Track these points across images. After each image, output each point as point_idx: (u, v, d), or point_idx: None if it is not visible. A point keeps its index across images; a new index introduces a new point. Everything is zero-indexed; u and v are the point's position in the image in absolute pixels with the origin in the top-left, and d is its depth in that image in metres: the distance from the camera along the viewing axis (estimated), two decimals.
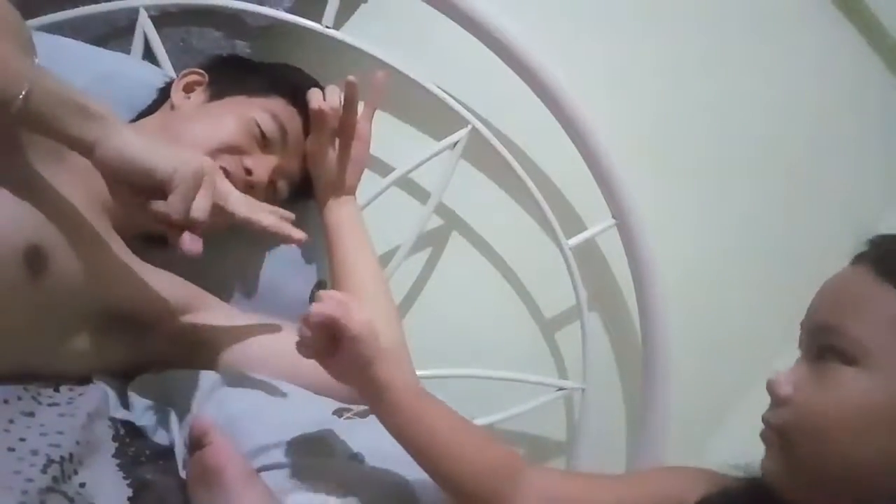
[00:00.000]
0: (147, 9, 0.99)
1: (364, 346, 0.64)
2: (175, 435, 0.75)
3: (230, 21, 1.03)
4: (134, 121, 0.91)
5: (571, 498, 0.64)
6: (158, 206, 0.65)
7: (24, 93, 0.60)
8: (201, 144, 0.83)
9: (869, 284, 0.50)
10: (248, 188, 0.85)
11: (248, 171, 0.85)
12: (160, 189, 0.65)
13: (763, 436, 0.55)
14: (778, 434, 0.53)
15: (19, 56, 0.63)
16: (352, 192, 0.94)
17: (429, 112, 1.09)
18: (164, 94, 0.92)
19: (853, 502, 0.51)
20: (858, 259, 0.53)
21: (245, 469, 0.68)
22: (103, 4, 0.97)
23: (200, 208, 0.65)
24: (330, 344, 0.65)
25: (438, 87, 1.06)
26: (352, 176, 0.93)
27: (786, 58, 1.18)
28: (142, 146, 0.65)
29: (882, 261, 0.50)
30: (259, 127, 0.87)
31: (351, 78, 0.88)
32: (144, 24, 0.99)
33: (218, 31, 1.03)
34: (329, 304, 0.64)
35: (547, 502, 0.64)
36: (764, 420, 0.55)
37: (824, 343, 0.51)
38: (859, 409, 0.49)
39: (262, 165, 0.86)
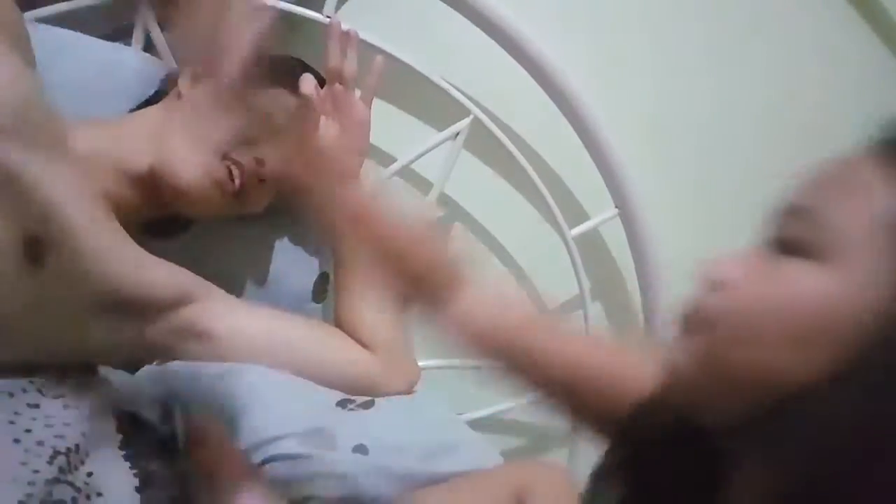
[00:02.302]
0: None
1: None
2: (178, 428, 0.75)
3: None
4: (136, 110, 0.91)
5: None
6: None
7: None
8: (214, 135, 0.83)
9: (868, 169, 0.40)
10: (260, 180, 0.85)
11: (261, 164, 0.85)
12: None
13: (681, 320, 0.44)
14: (704, 321, 0.43)
15: None
16: (355, 178, 0.94)
17: (430, 102, 1.09)
18: (167, 84, 0.92)
19: (744, 407, 0.41)
20: (859, 149, 0.42)
21: (243, 465, 0.68)
22: None
23: None
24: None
25: (440, 77, 1.06)
26: (353, 161, 0.93)
27: (789, 47, 1.17)
28: None
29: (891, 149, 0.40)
30: (271, 120, 0.87)
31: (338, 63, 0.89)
32: (145, 16, 0.98)
33: None
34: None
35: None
36: (688, 303, 0.44)
37: (791, 232, 0.42)
38: (806, 311, 0.39)
39: (272, 158, 0.86)
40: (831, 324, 0.38)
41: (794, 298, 0.40)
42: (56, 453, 0.61)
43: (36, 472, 0.59)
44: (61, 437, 0.63)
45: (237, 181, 0.84)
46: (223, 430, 0.73)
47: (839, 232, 0.39)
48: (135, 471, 0.67)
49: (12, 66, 0.69)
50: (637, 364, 0.56)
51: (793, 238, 0.42)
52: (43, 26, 0.91)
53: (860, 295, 0.38)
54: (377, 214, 0.61)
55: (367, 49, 0.99)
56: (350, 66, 0.90)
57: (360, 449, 0.74)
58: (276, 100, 0.88)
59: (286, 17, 1.00)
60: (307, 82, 0.88)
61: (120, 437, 0.70)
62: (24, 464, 0.59)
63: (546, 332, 0.60)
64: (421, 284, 0.61)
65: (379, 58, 0.93)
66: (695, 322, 0.44)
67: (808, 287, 0.40)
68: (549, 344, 0.58)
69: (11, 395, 0.66)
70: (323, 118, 0.91)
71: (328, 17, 1.01)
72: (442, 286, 0.60)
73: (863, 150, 0.42)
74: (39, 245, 0.67)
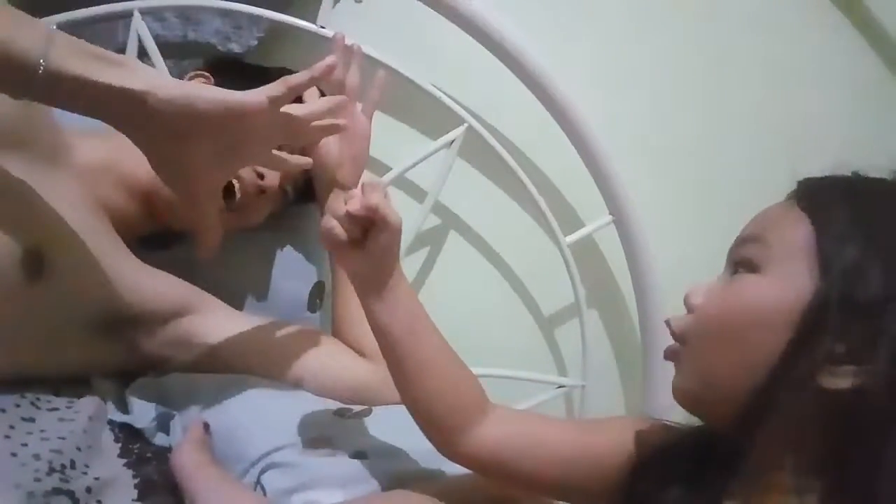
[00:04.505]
0: (142, 11, 0.98)
1: (398, 236, 0.66)
2: (177, 438, 0.75)
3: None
4: None
5: (530, 434, 0.65)
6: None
7: (42, 59, 0.55)
8: None
9: (790, 212, 0.54)
10: (261, 192, 0.85)
11: (261, 177, 0.85)
12: (248, 119, 0.63)
13: (667, 351, 0.56)
14: (679, 342, 0.55)
15: (26, 23, 0.58)
16: (353, 189, 0.94)
17: (425, 111, 1.09)
18: None
19: (734, 406, 0.51)
20: (788, 196, 0.58)
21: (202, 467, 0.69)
22: (98, 7, 0.97)
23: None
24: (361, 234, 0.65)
25: (434, 86, 1.06)
26: (352, 173, 0.93)
27: (784, 56, 1.18)
28: (187, 84, 0.62)
29: (803, 196, 0.55)
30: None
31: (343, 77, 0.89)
32: (139, 27, 0.99)
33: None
34: (374, 195, 0.64)
35: (507, 437, 0.65)
36: (669, 328, 0.56)
37: (741, 255, 0.54)
38: (748, 309, 0.51)
39: (273, 171, 0.86)
40: (773, 313, 0.50)
41: (737, 302, 0.53)
42: (52, 470, 0.61)
43: (37, 481, 0.58)
44: (57, 451, 0.63)
45: (237, 194, 0.84)
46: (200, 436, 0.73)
47: (776, 249, 0.52)
48: (136, 479, 0.67)
49: None
50: (612, 441, 0.63)
51: (741, 259, 0.54)
52: None
53: (790, 291, 0.50)
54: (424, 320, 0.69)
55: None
56: (352, 78, 0.90)
57: (360, 455, 0.74)
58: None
59: (279, 26, 1.01)
60: (310, 93, 0.89)
61: (118, 446, 0.70)
62: (22, 476, 0.58)
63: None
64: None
65: (381, 72, 0.94)
66: (672, 349, 0.56)
67: (747, 291, 0.52)
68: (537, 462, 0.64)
69: (3, 410, 0.65)
70: None
71: (322, 27, 1.01)
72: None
73: (788, 198, 0.57)
74: (39, 258, 0.67)
